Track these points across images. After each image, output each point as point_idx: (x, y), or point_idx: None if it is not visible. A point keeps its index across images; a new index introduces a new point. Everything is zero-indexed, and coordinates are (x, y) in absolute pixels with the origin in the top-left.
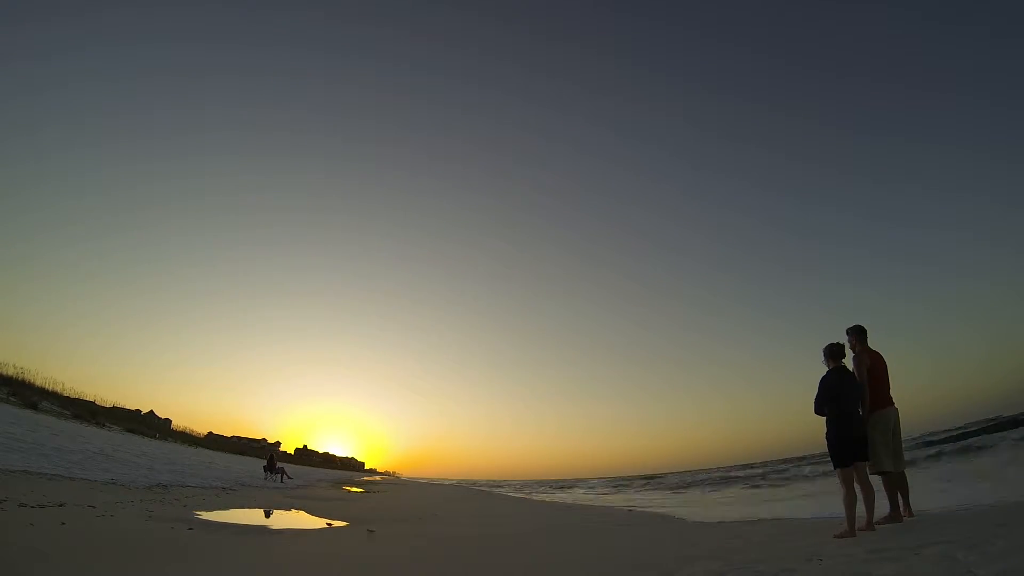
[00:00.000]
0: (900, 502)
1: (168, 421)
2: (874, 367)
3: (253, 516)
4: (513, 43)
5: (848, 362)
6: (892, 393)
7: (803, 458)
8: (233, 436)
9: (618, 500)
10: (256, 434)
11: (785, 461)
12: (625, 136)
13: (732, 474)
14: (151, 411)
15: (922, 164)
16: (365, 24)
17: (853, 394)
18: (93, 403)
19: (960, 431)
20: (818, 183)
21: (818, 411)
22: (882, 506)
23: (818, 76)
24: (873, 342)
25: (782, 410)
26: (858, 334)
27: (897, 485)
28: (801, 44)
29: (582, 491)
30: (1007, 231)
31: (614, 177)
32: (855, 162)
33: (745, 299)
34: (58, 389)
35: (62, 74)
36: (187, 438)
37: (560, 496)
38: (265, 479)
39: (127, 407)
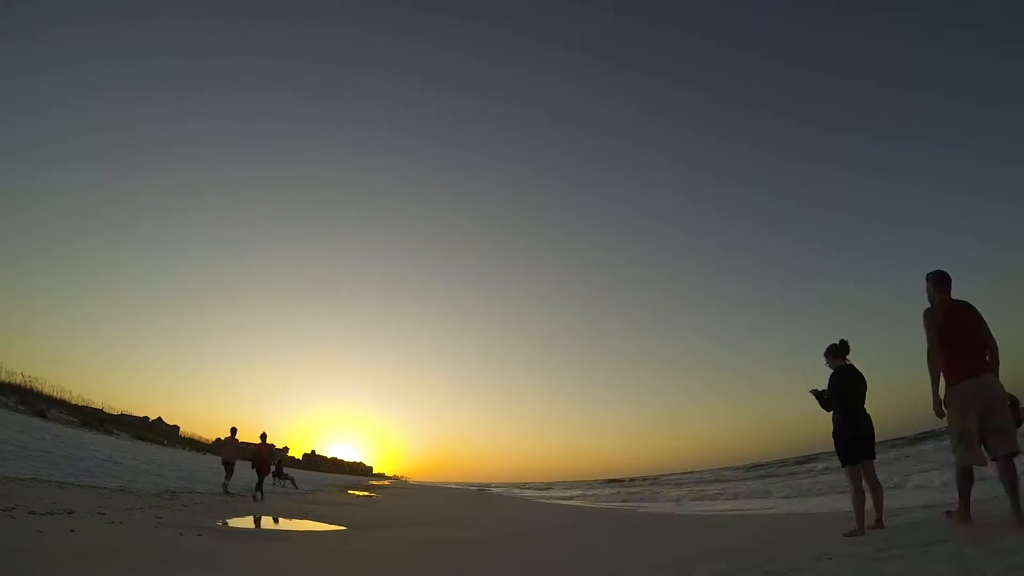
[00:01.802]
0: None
1: (176, 428)
2: (948, 326)
3: (262, 521)
4: (514, 49)
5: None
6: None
7: (811, 457)
8: (242, 442)
9: (623, 501)
10: None
11: (793, 460)
12: (628, 141)
13: (740, 474)
14: (159, 418)
15: (923, 166)
16: (373, 35)
17: (859, 391)
18: (101, 410)
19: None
20: (818, 185)
21: (826, 408)
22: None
23: (820, 80)
24: (871, 342)
25: (789, 410)
26: (938, 282)
27: (1007, 477)
28: (802, 47)
29: (588, 492)
30: (1006, 231)
31: (618, 182)
32: (855, 165)
33: (745, 299)
34: (66, 397)
35: (72, 87)
36: (195, 444)
37: (564, 498)
38: (273, 484)
39: (135, 414)
